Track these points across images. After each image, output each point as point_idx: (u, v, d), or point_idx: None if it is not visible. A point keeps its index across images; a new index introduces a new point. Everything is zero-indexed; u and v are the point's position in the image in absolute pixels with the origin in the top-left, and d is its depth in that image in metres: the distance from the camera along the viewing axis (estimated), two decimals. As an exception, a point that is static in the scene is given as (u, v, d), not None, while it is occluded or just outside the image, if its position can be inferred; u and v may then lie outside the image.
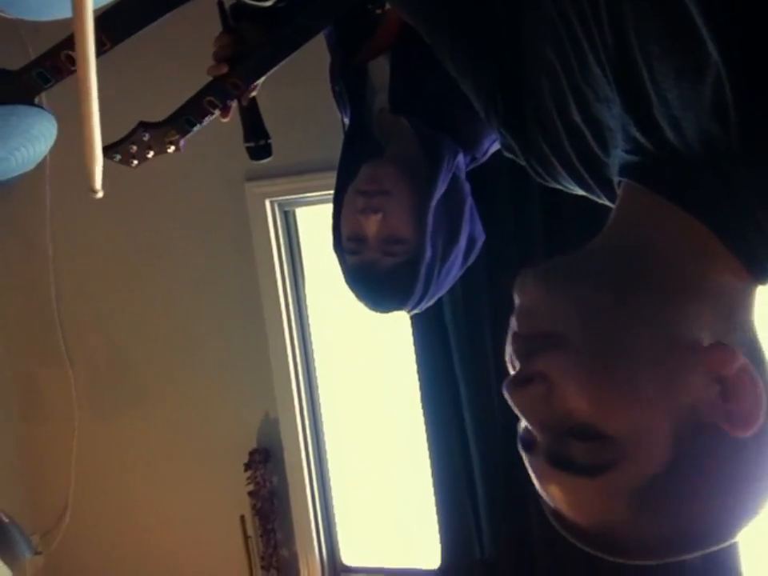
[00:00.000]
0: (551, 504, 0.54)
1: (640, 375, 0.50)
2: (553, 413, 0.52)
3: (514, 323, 0.56)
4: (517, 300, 0.56)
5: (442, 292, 1.12)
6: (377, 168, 1.06)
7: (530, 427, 0.54)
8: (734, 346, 0.52)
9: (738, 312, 0.55)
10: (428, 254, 1.05)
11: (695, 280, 0.54)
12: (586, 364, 0.51)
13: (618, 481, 0.50)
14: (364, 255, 1.06)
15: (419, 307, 1.11)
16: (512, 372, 0.57)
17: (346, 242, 1.09)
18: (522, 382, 0.53)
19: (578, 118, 0.63)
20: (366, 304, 1.11)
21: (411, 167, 1.06)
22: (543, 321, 0.54)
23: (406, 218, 1.04)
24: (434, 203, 1.05)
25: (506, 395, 0.54)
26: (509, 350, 0.56)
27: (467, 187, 1.11)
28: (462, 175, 1.11)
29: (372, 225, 1.03)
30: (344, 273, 1.12)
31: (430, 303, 1.12)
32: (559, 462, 0.51)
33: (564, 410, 0.51)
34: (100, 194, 0.64)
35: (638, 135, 0.57)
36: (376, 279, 1.06)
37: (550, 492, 0.53)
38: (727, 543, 0.54)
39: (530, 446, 0.54)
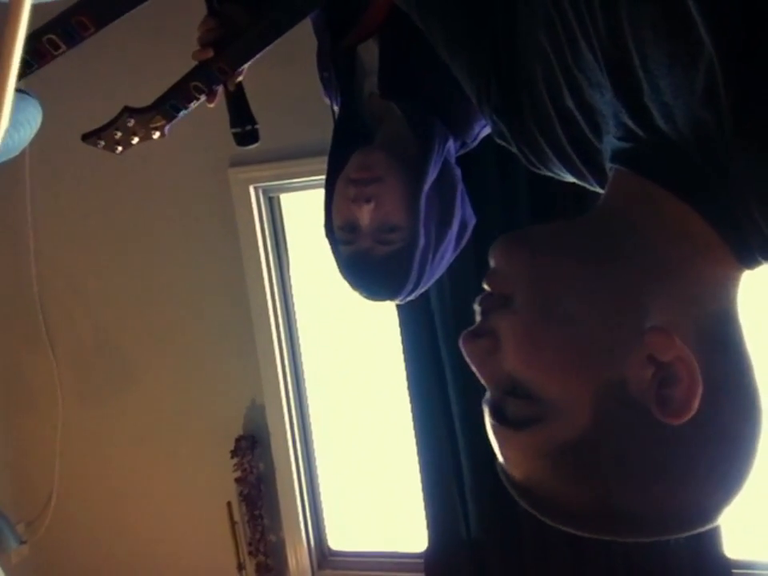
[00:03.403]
0: (497, 456, 0.57)
1: (569, 344, 0.52)
2: (497, 368, 0.55)
3: (483, 281, 0.59)
4: (489, 261, 0.60)
5: (435, 278, 1.12)
6: (367, 155, 1.05)
7: (481, 381, 0.57)
8: (682, 332, 0.52)
9: (711, 299, 0.54)
10: (422, 240, 1.04)
11: (670, 263, 0.54)
12: (523, 325, 0.54)
13: (537, 439, 0.53)
14: (358, 244, 1.05)
15: (413, 294, 1.10)
16: None
17: (338, 232, 1.07)
18: (475, 335, 0.57)
19: (570, 104, 0.62)
20: (361, 293, 1.10)
21: (402, 153, 1.05)
22: (503, 282, 0.57)
23: (399, 206, 1.03)
24: (426, 189, 1.04)
25: (460, 345, 0.57)
26: (475, 306, 0.60)
27: (458, 172, 1.11)
28: (453, 160, 1.10)
29: (365, 214, 1.02)
30: (338, 262, 1.10)
31: (424, 290, 1.11)
32: (497, 415, 0.55)
33: (504, 367, 0.55)
34: None
35: (629, 122, 0.57)
36: (371, 268, 1.05)
37: (493, 443, 0.57)
38: (665, 533, 0.54)
39: (485, 399, 0.58)
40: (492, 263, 0.59)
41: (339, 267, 1.11)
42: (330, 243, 1.11)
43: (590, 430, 0.52)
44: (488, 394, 0.57)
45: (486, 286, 0.59)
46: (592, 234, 0.57)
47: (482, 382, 0.57)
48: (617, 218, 0.56)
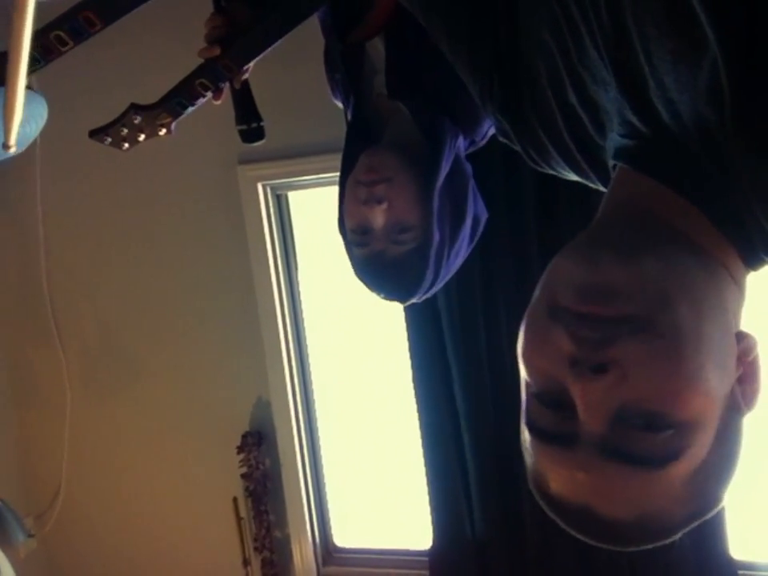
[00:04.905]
0: (583, 499, 0.51)
1: (709, 362, 0.50)
2: (619, 402, 0.49)
3: (582, 304, 0.50)
4: (583, 277, 0.51)
5: (451, 274, 1.11)
6: (375, 156, 1.04)
7: (582, 418, 0.50)
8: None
9: (737, 298, 0.55)
10: (436, 238, 1.03)
11: (721, 266, 0.54)
12: (671, 351, 0.49)
13: (681, 470, 0.50)
14: (372, 246, 1.04)
15: (430, 292, 1.09)
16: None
17: (351, 235, 1.06)
18: (596, 371, 0.49)
19: (574, 101, 0.62)
20: (378, 294, 1.09)
21: (411, 152, 1.05)
22: (628, 302, 0.49)
23: (411, 205, 1.02)
24: (438, 186, 1.03)
25: (573, 386, 0.49)
26: (565, 333, 0.50)
27: (469, 167, 1.10)
28: (463, 156, 1.10)
29: (377, 215, 1.01)
30: (352, 264, 1.10)
31: (440, 287, 1.10)
32: (615, 454, 0.49)
33: (634, 399, 0.49)
34: (14, 150, 0.62)
35: (633, 119, 0.57)
36: (385, 269, 1.04)
37: (593, 486, 0.51)
38: (699, 520, 0.55)
39: (569, 438, 0.51)
40: (600, 279, 0.50)
41: (354, 269, 1.10)
42: (345, 244, 1.10)
43: (713, 444, 0.51)
44: (590, 434, 0.50)
45: (592, 309, 0.49)
46: (675, 242, 0.53)
47: (588, 420, 0.50)
48: (660, 222, 0.54)
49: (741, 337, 0.54)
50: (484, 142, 1.13)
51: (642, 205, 0.56)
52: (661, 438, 0.49)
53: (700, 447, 0.50)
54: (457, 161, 1.08)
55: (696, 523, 0.54)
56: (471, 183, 1.11)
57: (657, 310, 0.49)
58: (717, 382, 0.51)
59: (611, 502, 0.51)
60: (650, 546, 0.54)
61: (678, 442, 0.49)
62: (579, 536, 0.54)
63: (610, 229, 0.55)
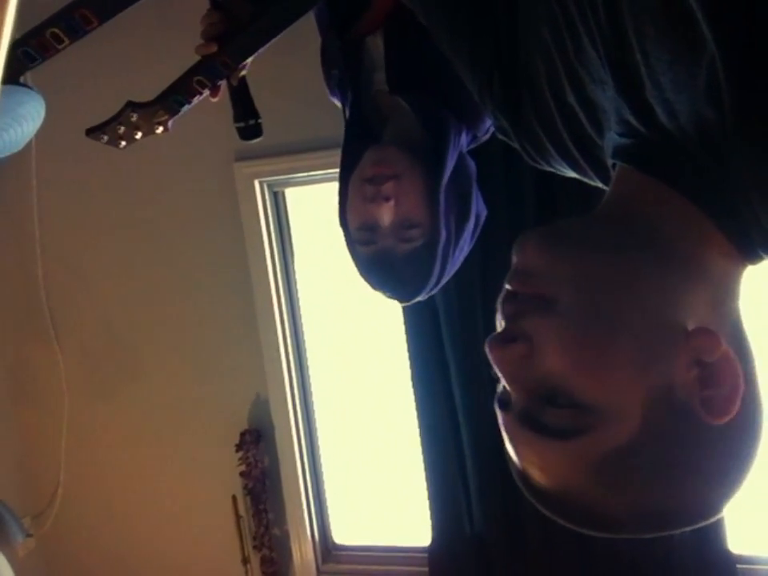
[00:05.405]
0: (518, 464, 0.55)
1: (623, 349, 0.51)
2: (531, 374, 0.52)
3: (507, 282, 0.56)
4: (514, 260, 0.56)
5: (453, 272, 1.10)
6: (380, 151, 1.03)
7: (506, 386, 0.54)
8: (718, 332, 0.52)
9: (726, 296, 0.55)
10: (443, 234, 1.03)
11: (689, 261, 0.54)
12: (572, 330, 0.51)
13: (585, 449, 0.51)
14: (379, 244, 1.03)
15: (434, 290, 1.08)
16: (498, 330, 0.57)
17: (356, 233, 1.05)
18: (505, 340, 0.53)
19: (572, 100, 0.62)
20: (384, 293, 1.08)
21: (416, 148, 1.04)
22: (537, 282, 0.54)
23: (419, 202, 1.01)
24: (445, 182, 1.02)
25: (488, 352, 0.54)
26: (498, 308, 0.56)
27: (473, 164, 1.09)
28: (466, 152, 1.09)
29: (385, 213, 0.99)
30: (356, 263, 1.08)
31: (442, 284, 1.09)
32: (530, 423, 0.52)
33: (542, 373, 0.52)
34: None
35: (630, 118, 0.57)
36: (393, 267, 1.03)
37: (518, 451, 0.54)
38: (696, 525, 0.54)
39: (505, 404, 0.55)
40: (519, 260, 0.55)
41: (358, 268, 1.08)
42: (347, 244, 1.09)
43: (637, 436, 0.51)
44: (515, 402, 0.54)
45: (511, 286, 0.55)
46: (616, 232, 0.55)
47: (510, 389, 0.54)
48: (628, 216, 0.56)
49: (698, 333, 0.51)
50: (486, 137, 1.13)
51: (634, 201, 0.56)
52: (563, 413, 0.51)
53: (612, 433, 0.51)
54: (461, 157, 1.07)
55: (661, 527, 0.54)
56: (475, 179, 1.10)
57: (566, 293, 0.52)
58: (632, 372, 0.50)
59: (535, 469, 0.54)
60: (593, 532, 0.55)
61: (580, 420, 0.51)
62: (536, 505, 0.56)
63: (570, 222, 0.58)
